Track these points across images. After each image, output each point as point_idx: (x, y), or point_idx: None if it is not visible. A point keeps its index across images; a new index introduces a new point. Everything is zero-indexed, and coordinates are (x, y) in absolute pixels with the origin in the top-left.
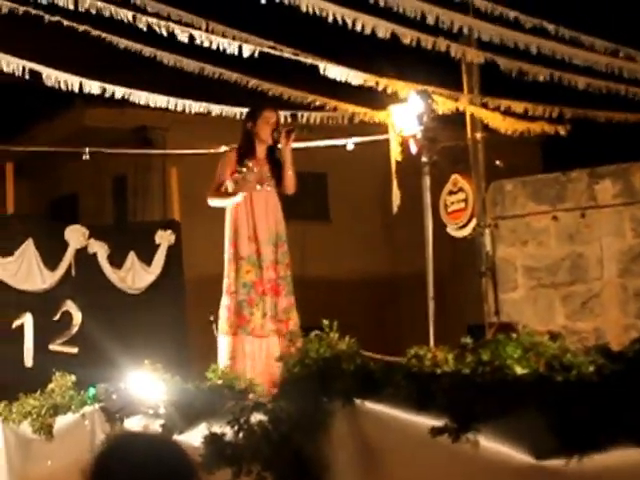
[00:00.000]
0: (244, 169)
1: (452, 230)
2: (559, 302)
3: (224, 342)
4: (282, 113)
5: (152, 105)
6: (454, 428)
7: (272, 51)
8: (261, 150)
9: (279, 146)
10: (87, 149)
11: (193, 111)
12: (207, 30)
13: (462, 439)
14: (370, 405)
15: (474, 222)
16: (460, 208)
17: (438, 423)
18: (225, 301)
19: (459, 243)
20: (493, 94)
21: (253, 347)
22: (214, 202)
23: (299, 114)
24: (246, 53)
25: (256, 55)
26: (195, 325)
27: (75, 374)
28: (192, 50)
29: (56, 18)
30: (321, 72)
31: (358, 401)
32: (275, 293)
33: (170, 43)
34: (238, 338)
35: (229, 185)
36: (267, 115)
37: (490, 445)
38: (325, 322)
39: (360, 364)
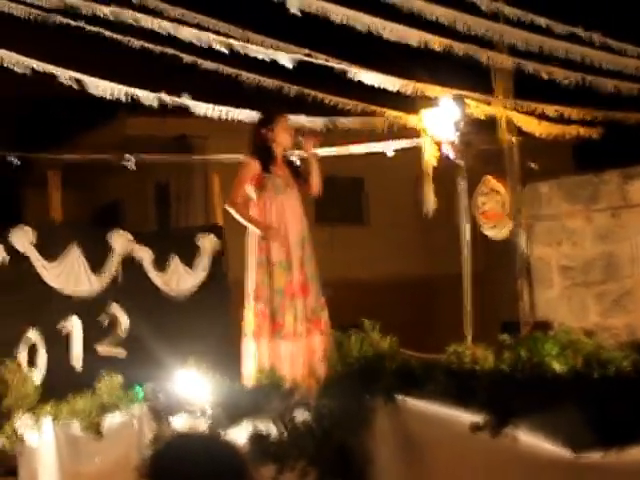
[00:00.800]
0: (271, 175)
1: (487, 231)
2: (592, 300)
3: (258, 346)
4: (320, 119)
5: (199, 113)
6: (493, 423)
7: (307, 59)
8: (279, 155)
9: (298, 152)
10: (129, 156)
11: (235, 118)
12: (244, 40)
13: (501, 434)
14: (411, 402)
15: (510, 223)
16: (495, 209)
17: (478, 419)
18: (258, 306)
19: (493, 244)
20: (527, 98)
21: (287, 350)
22: (234, 213)
23: (333, 120)
24: (283, 61)
25: (290, 64)
26: (239, 327)
27: (122, 375)
28: (231, 58)
29: (97, 29)
30: (353, 78)
31: (399, 398)
32: (304, 294)
33: (209, 53)
34: (273, 343)
35: (251, 193)
36: (284, 121)
37: (529, 440)
38: (367, 322)
39: (401, 362)
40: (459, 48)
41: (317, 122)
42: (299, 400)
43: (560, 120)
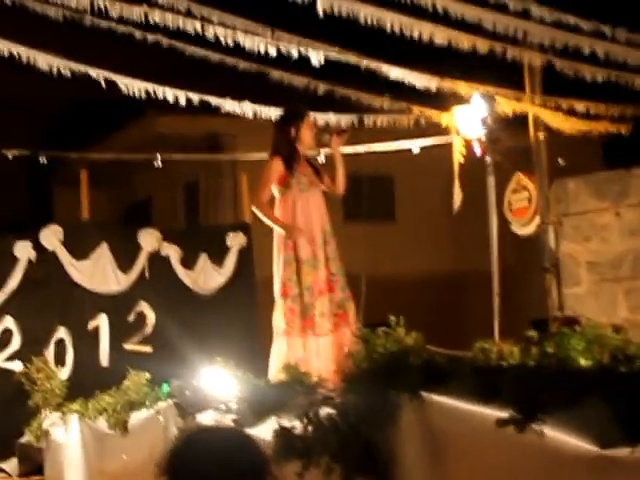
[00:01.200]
0: (296, 174)
1: (516, 228)
2: (622, 296)
3: (289, 343)
4: (349, 117)
5: (228, 110)
6: (520, 419)
7: (337, 56)
8: (303, 153)
9: (325, 150)
10: (158, 155)
11: (265, 116)
12: (272, 38)
13: (528, 430)
14: (437, 398)
15: (538, 219)
16: (524, 206)
17: (504, 414)
18: (288, 303)
19: (522, 240)
20: (555, 94)
21: (315, 346)
22: (260, 214)
23: (363, 117)
24: (313, 59)
25: (319, 62)
26: (266, 324)
27: (149, 372)
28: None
29: (128, 29)
30: (384, 74)
31: (425, 394)
32: (330, 290)
33: (236, 51)
34: (305, 340)
35: (276, 192)
36: (309, 120)
37: (555, 435)
38: (392, 318)
39: (427, 358)
40: (485, 46)
41: (345, 120)
42: (324, 396)
43: (588, 116)
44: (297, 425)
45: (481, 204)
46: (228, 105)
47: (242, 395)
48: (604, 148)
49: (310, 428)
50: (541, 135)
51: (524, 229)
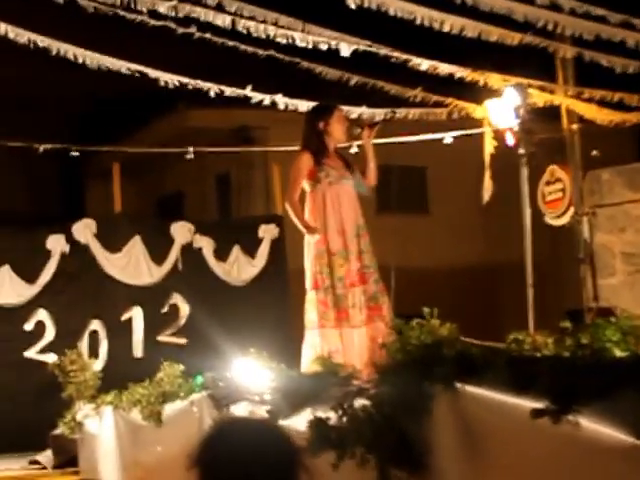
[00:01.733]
0: (325, 167)
1: (550, 219)
2: None
3: (321, 335)
4: (381, 110)
5: (263, 103)
6: (555, 410)
7: (369, 49)
8: (332, 147)
9: (358, 142)
10: (191, 149)
11: (297, 109)
12: (303, 31)
13: (563, 420)
14: (471, 389)
15: (571, 211)
16: (558, 197)
17: (539, 405)
18: (320, 296)
19: (556, 231)
20: (588, 85)
21: (349, 338)
22: (289, 210)
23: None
24: (345, 52)
25: (348, 53)
26: (298, 315)
27: (182, 364)
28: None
29: (161, 23)
30: (416, 66)
31: (459, 385)
32: (362, 282)
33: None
34: (338, 331)
35: (306, 186)
36: (339, 114)
37: (591, 426)
38: (426, 310)
39: (461, 349)
40: (516, 38)
41: (378, 113)
42: (359, 387)
43: (621, 107)
44: (332, 416)
45: (514, 195)
46: (262, 98)
47: (276, 386)
48: (637, 138)
49: (345, 419)
50: (574, 126)
51: (558, 220)
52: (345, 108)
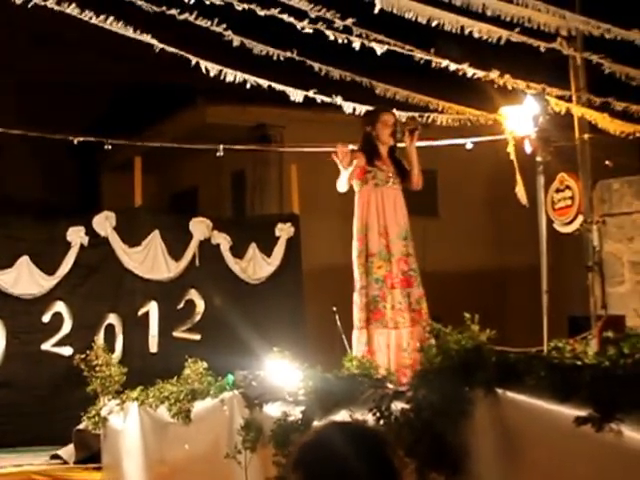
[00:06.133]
0: (374, 168)
1: (559, 226)
2: None
3: (357, 335)
4: (409, 114)
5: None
6: (598, 418)
7: (394, 48)
8: (384, 151)
9: (402, 145)
10: (221, 146)
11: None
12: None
13: (605, 428)
14: (512, 395)
15: (580, 219)
16: (567, 205)
17: (581, 413)
18: (355, 297)
19: (562, 238)
20: (601, 95)
21: (386, 339)
22: (340, 182)
23: (424, 116)
24: (379, 51)
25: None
26: (312, 314)
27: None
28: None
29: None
30: (443, 67)
31: (500, 391)
32: (408, 285)
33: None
34: (373, 331)
35: (355, 186)
36: (385, 118)
37: (633, 435)
38: (467, 315)
39: (501, 355)
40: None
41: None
42: (395, 389)
43: (631, 118)
44: (369, 418)
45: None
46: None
47: (311, 386)
48: None
49: (382, 421)
50: (586, 135)
51: (566, 227)
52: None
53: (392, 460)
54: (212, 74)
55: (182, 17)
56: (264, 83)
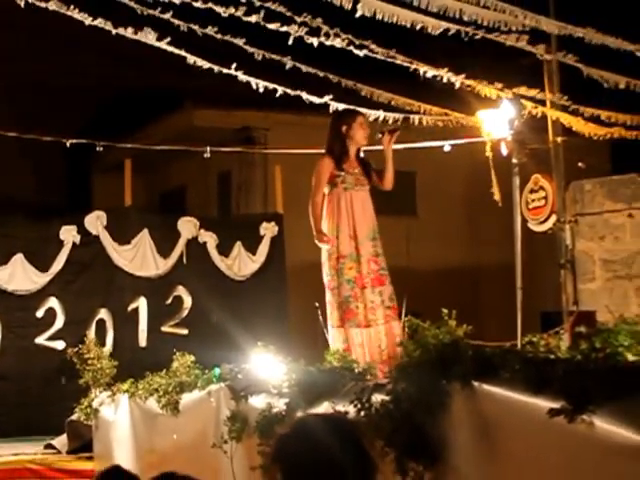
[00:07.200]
0: (342, 173)
1: (533, 225)
2: (633, 292)
3: (334, 333)
4: (394, 115)
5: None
6: (570, 409)
7: (372, 55)
8: (353, 151)
9: (377, 148)
10: (208, 148)
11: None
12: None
13: (577, 420)
14: (488, 388)
15: (553, 218)
16: (540, 205)
17: (554, 405)
18: (328, 297)
19: (536, 237)
20: (575, 98)
21: (361, 337)
22: (311, 214)
23: (409, 117)
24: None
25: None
26: (295, 310)
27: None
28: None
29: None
30: (419, 74)
31: (476, 384)
32: (380, 283)
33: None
34: (347, 330)
35: (325, 189)
36: (362, 120)
37: (604, 426)
38: (444, 311)
39: (477, 349)
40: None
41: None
42: (376, 382)
43: (602, 121)
44: (350, 410)
45: (497, 202)
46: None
47: (294, 379)
48: (612, 151)
49: (362, 413)
50: (559, 139)
51: (540, 226)
52: (366, 113)
53: (367, 450)
54: (205, 67)
55: (170, 19)
56: (252, 80)
